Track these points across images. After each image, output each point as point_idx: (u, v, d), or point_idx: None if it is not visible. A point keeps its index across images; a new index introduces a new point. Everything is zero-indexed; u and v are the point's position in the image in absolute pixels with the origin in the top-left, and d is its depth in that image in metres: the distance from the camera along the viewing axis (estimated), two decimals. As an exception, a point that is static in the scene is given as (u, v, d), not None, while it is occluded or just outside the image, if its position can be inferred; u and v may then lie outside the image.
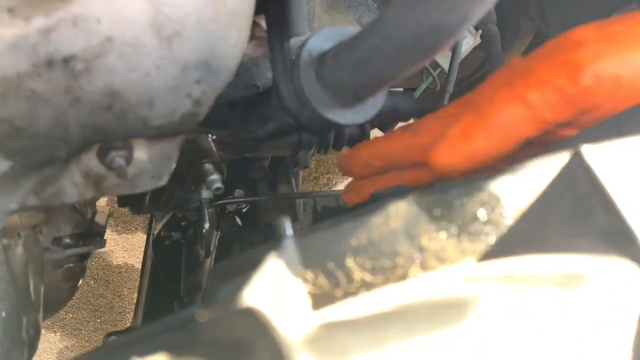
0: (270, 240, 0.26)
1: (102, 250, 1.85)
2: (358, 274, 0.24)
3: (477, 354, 0.20)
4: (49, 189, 0.40)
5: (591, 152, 0.25)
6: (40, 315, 0.56)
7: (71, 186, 0.40)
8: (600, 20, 0.35)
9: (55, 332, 1.80)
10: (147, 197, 0.77)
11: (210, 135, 0.61)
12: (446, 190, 0.26)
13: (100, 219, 0.81)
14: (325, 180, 2.11)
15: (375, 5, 0.77)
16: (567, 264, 0.23)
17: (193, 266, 0.88)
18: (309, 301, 0.23)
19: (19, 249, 0.50)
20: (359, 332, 0.20)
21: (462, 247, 0.25)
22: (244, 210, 0.91)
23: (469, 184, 0.26)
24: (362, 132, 0.68)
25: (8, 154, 0.36)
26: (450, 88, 0.82)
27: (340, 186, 2.12)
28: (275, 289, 0.22)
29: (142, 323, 0.89)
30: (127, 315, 1.86)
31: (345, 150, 0.67)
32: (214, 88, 0.39)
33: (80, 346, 1.79)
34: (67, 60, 0.32)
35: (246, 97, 0.55)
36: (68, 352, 1.78)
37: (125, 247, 1.94)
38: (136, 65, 0.35)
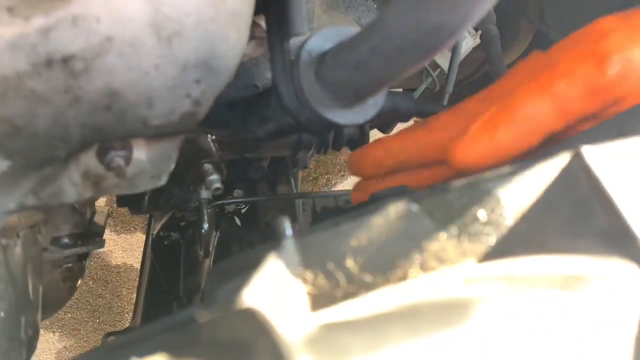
0: (270, 240, 0.26)
1: (100, 250, 1.85)
2: (358, 275, 0.24)
3: (479, 356, 0.20)
4: (48, 188, 0.40)
5: (591, 153, 0.25)
6: (39, 316, 0.56)
7: (70, 186, 0.40)
8: (619, 13, 0.34)
9: (53, 332, 1.79)
10: (146, 197, 0.77)
11: (209, 135, 0.61)
12: (446, 191, 0.26)
13: (99, 219, 0.81)
14: (324, 180, 2.11)
15: (375, 6, 0.77)
16: (567, 265, 0.23)
17: (192, 266, 0.88)
18: (308, 302, 0.23)
19: (18, 249, 0.50)
20: (360, 333, 0.20)
21: (462, 247, 0.25)
22: (243, 210, 0.91)
23: (469, 184, 0.26)
24: (361, 132, 0.68)
25: (7, 154, 0.36)
26: (450, 89, 0.82)
27: (339, 187, 2.12)
28: (274, 289, 0.22)
29: (141, 323, 0.88)
30: (126, 315, 1.86)
31: (347, 150, 0.67)
32: (214, 88, 0.39)
33: (79, 346, 1.79)
34: (66, 60, 0.32)
35: (246, 97, 0.55)
36: (67, 352, 1.78)
37: (124, 247, 1.93)
38: (135, 64, 0.35)
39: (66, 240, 0.73)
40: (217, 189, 0.57)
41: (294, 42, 0.43)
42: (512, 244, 0.25)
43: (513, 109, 0.34)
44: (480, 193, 0.26)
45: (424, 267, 0.24)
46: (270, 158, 0.81)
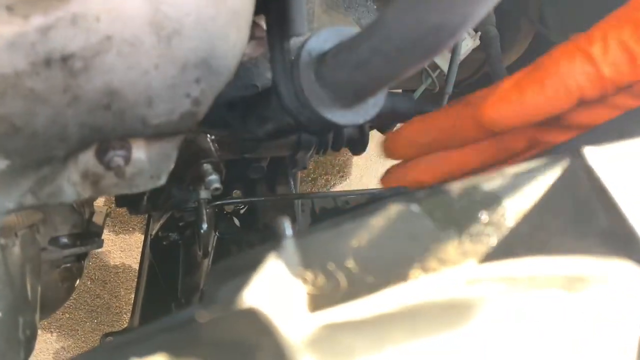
0: (269, 241, 0.26)
1: (99, 250, 1.84)
2: (358, 275, 0.24)
3: (481, 356, 0.20)
4: (47, 188, 0.40)
5: (593, 154, 0.25)
6: (37, 316, 0.55)
7: (69, 185, 0.40)
8: None
9: (51, 332, 1.79)
10: (145, 197, 0.76)
11: (209, 135, 0.61)
12: (447, 192, 0.26)
13: (97, 219, 0.81)
14: (323, 181, 2.11)
15: (375, 7, 0.76)
16: (569, 265, 0.23)
17: (191, 267, 0.88)
18: (308, 302, 0.23)
19: (16, 249, 0.50)
20: (362, 334, 0.20)
21: (464, 248, 0.25)
22: (241, 211, 0.91)
23: (470, 185, 0.26)
24: (361, 133, 0.68)
25: (6, 153, 0.36)
26: (450, 90, 0.82)
27: (338, 187, 2.12)
28: (275, 289, 0.22)
29: (139, 324, 0.88)
30: (124, 315, 1.86)
31: (346, 151, 0.66)
32: (214, 88, 0.39)
33: (77, 347, 1.79)
34: (65, 59, 0.32)
35: (245, 97, 0.55)
36: (65, 352, 1.77)
37: (123, 248, 1.93)
38: (135, 63, 0.34)
39: (65, 240, 0.73)
40: (217, 189, 0.57)
41: (294, 42, 0.43)
42: (514, 244, 0.24)
43: (545, 69, 0.33)
44: (481, 193, 0.26)
45: (425, 268, 0.24)
46: (270, 158, 0.81)
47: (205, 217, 0.62)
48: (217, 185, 0.57)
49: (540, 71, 0.34)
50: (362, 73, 0.37)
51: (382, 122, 0.72)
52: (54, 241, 0.72)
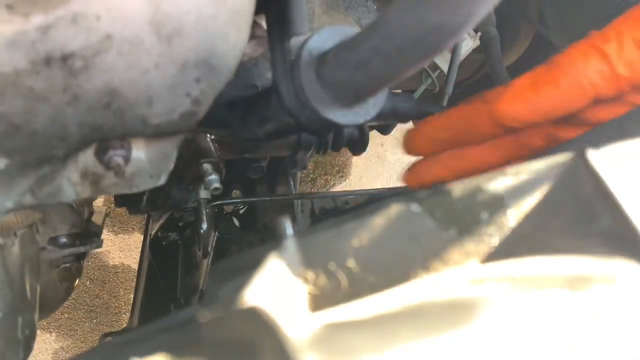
0: (268, 241, 0.26)
1: (98, 250, 1.84)
2: (359, 275, 0.24)
3: (486, 356, 0.20)
4: (46, 187, 0.40)
5: (595, 154, 0.25)
6: (36, 315, 0.55)
7: (68, 185, 0.40)
8: None
9: (50, 332, 1.79)
10: (145, 197, 0.76)
11: (208, 135, 0.61)
12: (449, 192, 0.26)
13: (97, 219, 0.81)
14: (322, 182, 2.11)
15: (375, 7, 0.76)
16: (572, 265, 0.23)
17: (190, 267, 0.88)
18: (309, 302, 0.23)
19: (15, 249, 0.50)
20: (365, 333, 0.20)
21: (465, 248, 0.24)
22: (241, 211, 0.91)
23: (471, 184, 0.26)
24: (361, 133, 0.68)
25: (5, 152, 0.36)
26: (450, 90, 0.82)
27: (338, 188, 2.12)
28: (276, 289, 0.22)
29: (138, 324, 0.88)
30: (123, 316, 1.85)
31: (346, 151, 0.66)
32: (214, 87, 0.39)
33: (76, 347, 1.79)
34: (65, 58, 0.32)
35: (245, 97, 0.55)
36: (63, 352, 1.77)
37: (122, 248, 1.93)
38: (135, 63, 0.34)
39: (64, 240, 0.73)
40: (216, 188, 0.57)
41: (294, 41, 0.43)
42: (516, 244, 0.24)
43: (560, 68, 0.34)
44: (483, 193, 0.25)
45: (426, 268, 0.24)
46: (269, 158, 0.81)
47: (205, 217, 0.62)
48: (217, 185, 0.57)
49: (555, 69, 0.34)
50: (363, 73, 0.37)
51: (383, 122, 0.72)
52: (53, 241, 0.72)
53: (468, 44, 0.90)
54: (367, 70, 0.37)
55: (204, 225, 0.62)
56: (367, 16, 0.75)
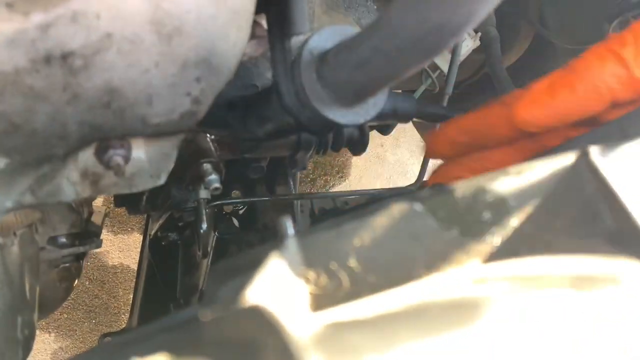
0: (268, 241, 0.26)
1: (97, 250, 1.84)
2: (361, 275, 0.23)
3: (489, 356, 0.20)
4: (46, 187, 0.40)
5: (598, 154, 0.25)
6: (35, 315, 0.55)
7: (68, 184, 0.40)
8: None
9: (49, 332, 1.79)
10: (144, 197, 0.76)
11: (208, 135, 0.61)
12: (451, 192, 0.26)
13: (96, 219, 0.80)
14: (322, 182, 2.11)
15: (375, 7, 0.76)
16: (575, 265, 0.23)
17: (190, 267, 0.88)
18: (311, 301, 0.23)
19: (15, 248, 0.50)
20: (368, 333, 0.20)
21: (467, 248, 0.24)
22: (241, 211, 0.91)
23: (473, 184, 0.26)
24: (361, 133, 0.68)
25: (5, 151, 0.36)
26: (450, 90, 0.82)
27: (337, 188, 2.12)
28: (277, 288, 0.22)
29: (137, 324, 0.88)
30: (123, 316, 1.85)
31: (346, 152, 0.66)
32: (214, 87, 0.39)
33: (75, 347, 1.78)
34: (65, 57, 0.32)
35: (245, 97, 0.54)
36: (62, 352, 1.77)
37: (121, 248, 1.93)
38: (135, 62, 0.34)
39: (63, 239, 0.73)
40: (216, 188, 0.57)
41: (294, 41, 0.42)
42: (518, 244, 0.24)
43: (577, 72, 0.34)
44: (485, 193, 0.25)
45: (428, 268, 0.24)
46: (269, 158, 0.80)
47: (204, 217, 0.62)
48: (217, 185, 0.57)
49: (572, 74, 0.34)
50: (363, 72, 0.37)
51: (383, 123, 0.72)
52: (53, 241, 0.71)
53: (468, 44, 0.90)
54: (367, 70, 0.37)
55: (204, 226, 0.62)
56: (367, 16, 0.75)
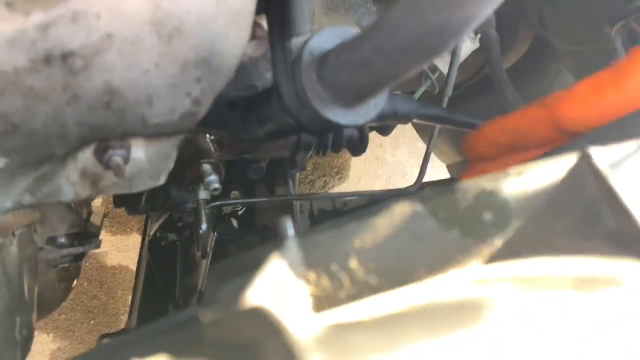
0: (267, 242, 0.26)
1: (96, 251, 1.84)
2: (362, 276, 0.23)
3: (491, 357, 0.20)
4: (45, 187, 0.40)
5: (599, 154, 0.25)
6: (34, 316, 0.55)
7: (68, 185, 0.40)
8: None
9: (48, 333, 1.78)
10: (144, 198, 0.76)
11: (208, 136, 0.61)
12: (452, 192, 0.26)
13: (95, 219, 0.80)
14: (321, 183, 2.11)
15: (375, 8, 0.76)
16: (576, 267, 0.23)
17: (189, 268, 0.88)
18: (311, 302, 0.23)
19: (13, 248, 0.49)
20: (370, 334, 0.20)
21: (469, 249, 0.24)
22: (240, 212, 0.91)
23: (474, 185, 0.26)
24: (361, 134, 0.68)
25: (4, 151, 0.35)
26: (449, 91, 0.81)
27: (336, 189, 2.12)
28: (277, 289, 0.22)
29: (136, 325, 0.88)
30: (121, 317, 1.85)
31: (345, 153, 0.66)
32: (214, 87, 0.39)
33: (74, 348, 1.78)
34: (65, 57, 0.32)
35: (245, 97, 0.54)
36: (61, 353, 1.76)
37: (120, 248, 1.93)
38: (135, 62, 0.34)
39: (62, 240, 0.72)
40: (216, 189, 0.57)
41: (295, 42, 0.42)
42: (519, 245, 0.24)
43: (623, 71, 0.34)
44: (486, 194, 0.25)
45: (430, 269, 0.24)
46: (269, 159, 0.80)
47: (204, 218, 0.62)
48: (217, 185, 0.56)
49: (618, 72, 0.35)
50: (364, 73, 0.37)
51: (383, 124, 0.72)
52: (52, 241, 0.71)
53: (468, 45, 0.90)
54: (369, 70, 0.37)
55: (203, 226, 0.62)
56: (367, 17, 0.75)
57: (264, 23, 0.47)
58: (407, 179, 2.18)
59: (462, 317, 0.21)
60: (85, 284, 1.86)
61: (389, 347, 0.19)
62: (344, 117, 0.41)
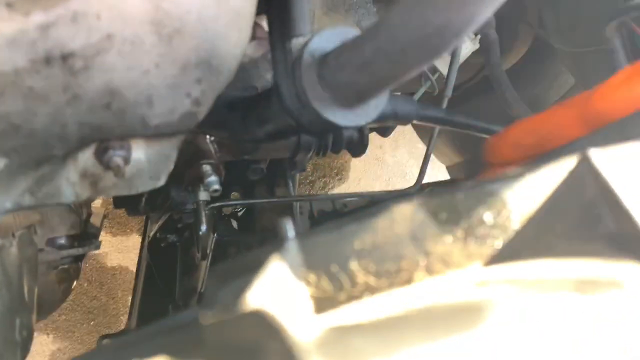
0: (267, 243, 0.26)
1: (96, 252, 1.84)
2: (362, 278, 0.23)
3: (495, 358, 0.19)
4: (45, 188, 0.39)
5: (599, 156, 0.25)
6: (34, 317, 0.55)
7: (68, 186, 0.40)
8: None
9: (48, 334, 1.78)
10: (144, 198, 0.76)
11: (208, 136, 0.61)
12: (452, 194, 0.26)
13: (95, 220, 0.80)
14: (321, 184, 2.11)
15: (375, 9, 0.76)
16: (577, 269, 0.23)
17: (188, 269, 0.88)
18: (311, 304, 0.22)
19: (14, 249, 0.49)
20: (371, 336, 0.20)
21: (469, 251, 0.24)
22: (239, 213, 0.90)
23: (475, 186, 0.26)
24: (361, 135, 0.68)
25: (4, 152, 0.35)
26: (449, 92, 0.81)
27: (336, 190, 2.12)
28: (277, 291, 0.22)
29: (136, 326, 0.88)
30: (121, 317, 1.85)
31: (345, 154, 0.66)
32: (214, 88, 0.39)
33: (73, 348, 1.78)
34: (65, 57, 0.32)
35: (245, 98, 0.54)
36: (61, 354, 1.76)
37: (120, 249, 1.92)
38: (136, 63, 0.34)
39: (62, 241, 0.72)
40: (216, 190, 0.57)
41: (295, 42, 0.42)
42: (519, 247, 0.24)
43: None
44: (486, 195, 0.25)
45: (429, 270, 0.23)
46: (269, 160, 0.80)
47: (204, 219, 0.62)
48: (217, 186, 0.56)
49: None
50: (365, 74, 0.37)
51: (383, 125, 0.72)
52: (52, 242, 0.71)
53: (467, 46, 0.90)
54: (370, 71, 0.37)
55: (203, 227, 0.62)
56: (367, 18, 0.75)
57: (264, 24, 0.47)
58: (407, 180, 2.18)
59: (462, 319, 0.20)
60: (85, 284, 1.86)
61: (389, 349, 0.19)
62: (344, 118, 0.41)
